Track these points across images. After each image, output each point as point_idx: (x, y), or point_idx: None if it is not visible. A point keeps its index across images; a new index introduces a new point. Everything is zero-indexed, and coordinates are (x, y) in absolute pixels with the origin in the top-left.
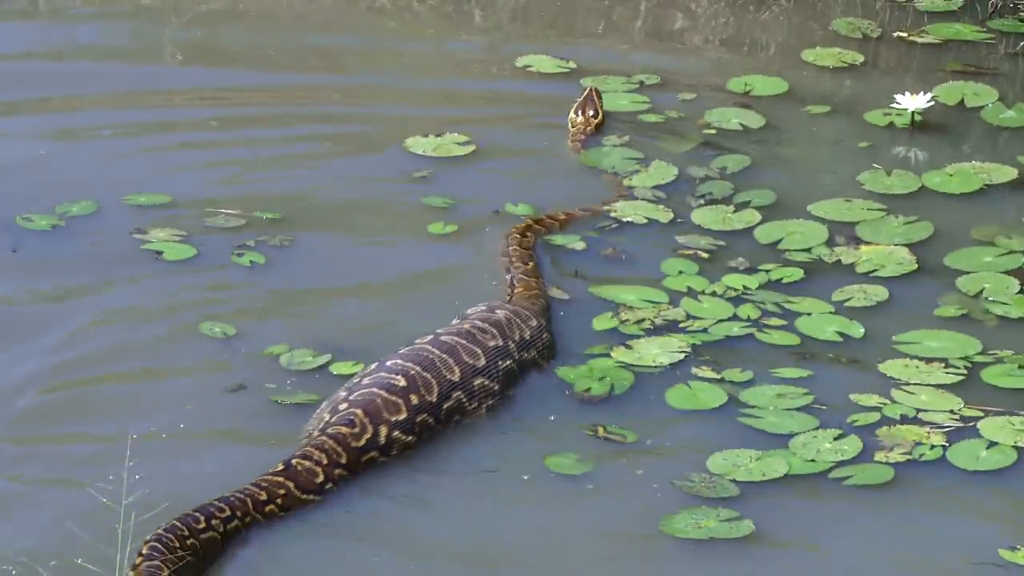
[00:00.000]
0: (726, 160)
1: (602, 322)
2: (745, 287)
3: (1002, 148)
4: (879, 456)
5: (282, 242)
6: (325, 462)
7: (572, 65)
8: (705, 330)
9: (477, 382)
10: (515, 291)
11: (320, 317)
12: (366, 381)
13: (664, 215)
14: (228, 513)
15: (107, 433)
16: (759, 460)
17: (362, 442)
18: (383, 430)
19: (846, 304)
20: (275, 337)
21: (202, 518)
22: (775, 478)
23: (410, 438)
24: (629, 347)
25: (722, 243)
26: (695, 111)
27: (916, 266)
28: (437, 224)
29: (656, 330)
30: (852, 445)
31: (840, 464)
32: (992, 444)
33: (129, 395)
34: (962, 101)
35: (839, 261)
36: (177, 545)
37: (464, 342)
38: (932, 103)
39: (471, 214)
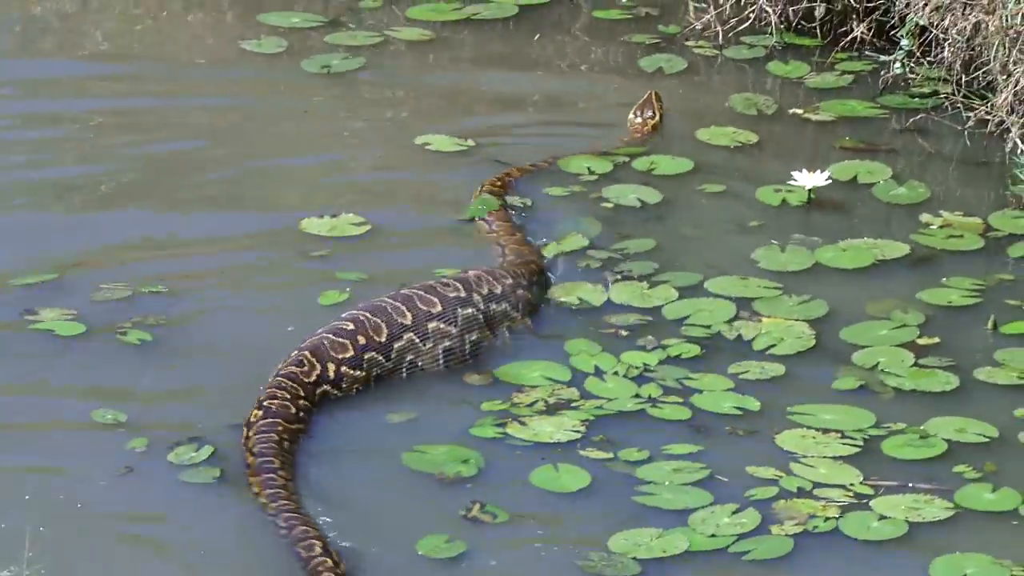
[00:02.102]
0: (627, 243)
1: (492, 404)
2: (645, 364)
3: (894, 225)
4: (775, 529)
5: (157, 321)
6: (290, 397)
7: (470, 143)
8: (600, 407)
9: (432, 325)
10: (506, 260)
11: (209, 396)
12: (320, 330)
13: (598, 297)
14: (278, 463)
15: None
16: (660, 538)
17: (312, 378)
18: (331, 366)
19: (741, 377)
20: (165, 420)
21: (273, 476)
22: (676, 554)
23: (358, 373)
24: (524, 424)
25: (649, 318)
26: (595, 188)
27: (814, 342)
28: (331, 294)
29: (548, 409)
30: (751, 518)
31: (741, 537)
32: (883, 517)
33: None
34: (855, 178)
35: (739, 336)
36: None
37: (422, 293)
38: (830, 181)
39: (366, 291)
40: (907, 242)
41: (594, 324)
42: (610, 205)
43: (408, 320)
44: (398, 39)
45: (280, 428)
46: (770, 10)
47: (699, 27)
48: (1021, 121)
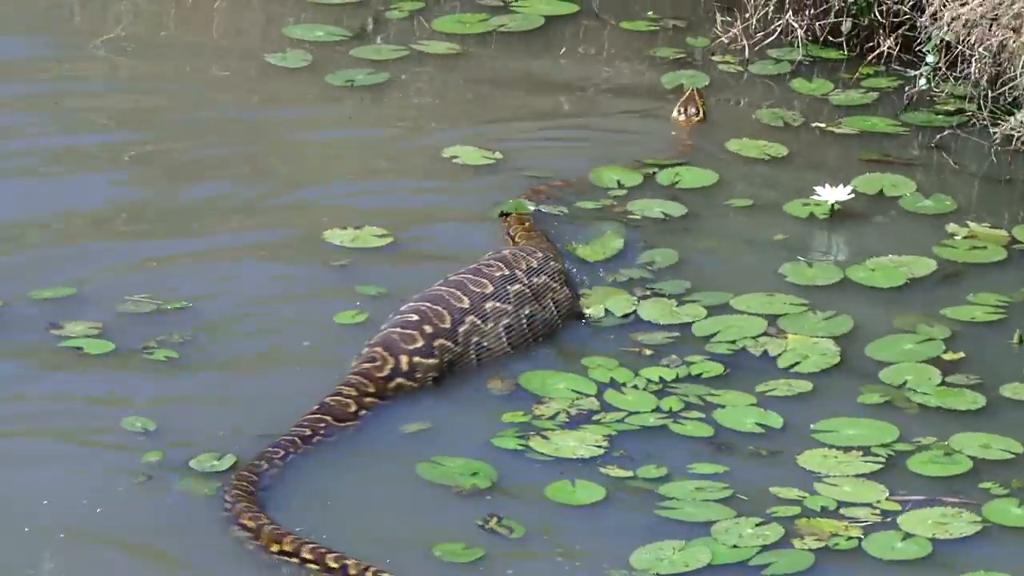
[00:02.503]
0: (654, 254)
1: (514, 416)
2: (662, 378)
3: (918, 237)
4: (796, 543)
5: (183, 337)
6: (355, 394)
7: (498, 156)
8: (622, 420)
9: (488, 305)
10: (516, 242)
11: (234, 412)
12: (384, 327)
13: (624, 305)
14: (282, 453)
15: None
16: (682, 551)
17: (385, 372)
18: (403, 359)
19: (768, 395)
20: (192, 432)
21: (265, 464)
22: (698, 568)
23: (431, 361)
24: (546, 438)
25: (676, 334)
26: (623, 202)
27: (839, 359)
28: (347, 314)
29: (571, 422)
30: (774, 531)
31: (764, 549)
32: (908, 536)
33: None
34: (881, 191)
35: (765, 352)
36: (253, 491)
37: (470, 276)
38: (853, 195)
39: (383, 306)
40: (930, 255)
41: (619, 342)
42: (637, 217)
43: (466, 304)
44: (424, 52)
45: (322, 425)
46: (796, 24)
47: (726, 40)
48: None
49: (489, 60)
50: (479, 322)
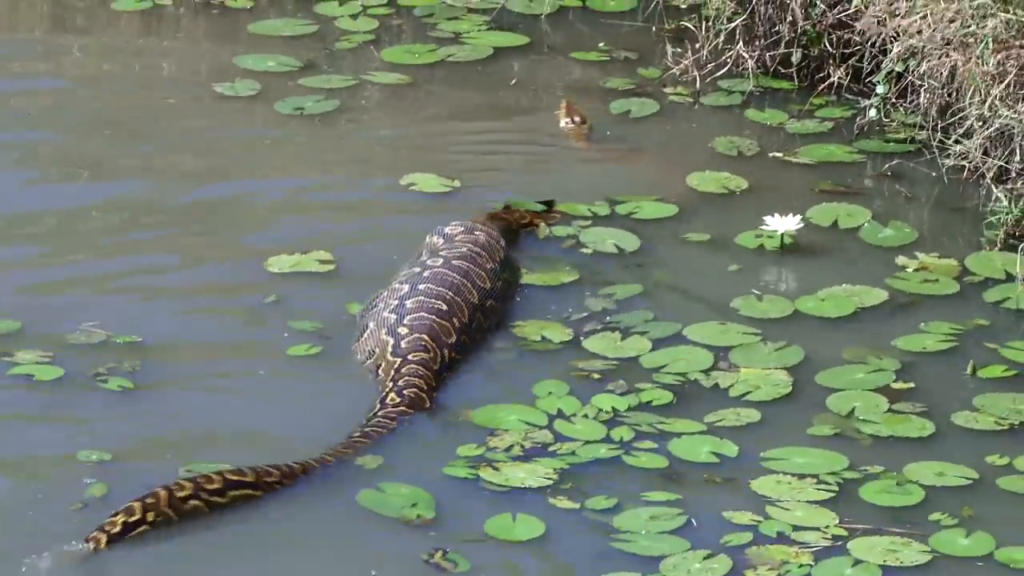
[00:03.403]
0: (614, 289)
1: (468, 449)
2: (615, 408)
3: (870, 269)
4: (748, 574)
5: (133, 367)
6: (426, 388)
7: (456, 184)
8: (573, 452)
9: (488, 303)
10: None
11: (186, 447)
12: (411, 304)
13: (562, 334)
14: (369, 444)
15: None
16: None
17: (437, 365)
18: (446, 352)
19: (717, 425)
20: (145, 465)
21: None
22: None
23: (458, 356)
24: (497, 469)
25: (615, 363)
26: (584, 231)
27: (790, 389)
28: (300, 347)
29: (525, 454)
30: (722, 564)
31: None
32: (858, 562)
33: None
34: (836, 222)
35: (716, 385)
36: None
37: (473, 267)
38: (803, 225)
39: (330, 339)
40: (882, 286)
41: (564, 367)
42: (589, 251)
43: (476, 299)
44: (374, 82)
45: (406, 419)
46: (747, 55)
47: (677, 72)
48: (995, 166)
49: (440, 89)
50: (482, 319)
